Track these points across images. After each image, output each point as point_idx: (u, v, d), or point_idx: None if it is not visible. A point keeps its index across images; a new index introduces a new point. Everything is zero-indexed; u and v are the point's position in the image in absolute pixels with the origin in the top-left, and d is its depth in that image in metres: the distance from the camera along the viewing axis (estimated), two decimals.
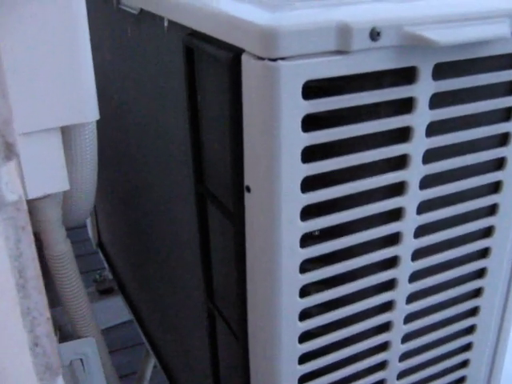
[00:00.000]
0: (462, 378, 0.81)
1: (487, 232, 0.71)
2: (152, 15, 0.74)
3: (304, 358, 0.64)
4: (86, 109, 0.56)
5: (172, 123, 0.76)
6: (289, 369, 0.64)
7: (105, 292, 1.45)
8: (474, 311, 0.76)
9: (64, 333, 0.82)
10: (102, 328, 1.25)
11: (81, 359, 0.75)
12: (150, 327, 1.18)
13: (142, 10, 0.78)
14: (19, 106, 0.52)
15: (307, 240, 0.58)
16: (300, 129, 0.52)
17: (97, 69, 1.00)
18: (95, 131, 0.62)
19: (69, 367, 0.74)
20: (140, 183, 0.99)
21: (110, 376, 0.81)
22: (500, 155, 0.66)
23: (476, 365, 0.80)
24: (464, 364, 0.80)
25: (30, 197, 0.57)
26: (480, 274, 0.73)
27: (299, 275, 0.59)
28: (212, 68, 0.59)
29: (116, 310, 1.44)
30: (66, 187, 0.60)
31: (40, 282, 0.32)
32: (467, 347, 0.78)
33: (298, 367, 0.64)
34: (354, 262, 0.62)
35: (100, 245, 1.54)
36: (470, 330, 0.77)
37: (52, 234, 0.69)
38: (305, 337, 0.63)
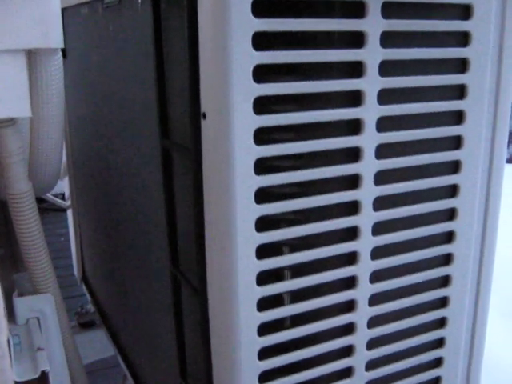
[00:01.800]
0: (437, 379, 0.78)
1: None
2: None
3: (262, 306, 0.62)
4: (50, 34, 0.59)
5: (143, 98, 0.78)
6: (247, 318, 0.62)
7: (86, 325, 1.42)
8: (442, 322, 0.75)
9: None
10: (85, 363, 1.21)
11: (37, 317, 0.73)
12: (131, 358, 1.14)
13: None
14: None
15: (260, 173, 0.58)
16: (251, 46, 0.54)
17: (86, 85, 1.04)
18: (61, 67, 0.64)
19: (25, 326, 0.71)
20: (114, 191, 1.01)
21: (67, 336, 0.77)
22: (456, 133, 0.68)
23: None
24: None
25: None
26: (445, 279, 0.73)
27: (255, 205, 0.59)
28: (174, 8, 0.63)
29: (98, 344, 1.40)
30: (28, 113, 0.61)
31: None
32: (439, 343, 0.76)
33: (257, 314, 0.62)
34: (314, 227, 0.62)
35: (84, 279, 1.52)
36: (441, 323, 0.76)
37: (12, 168, 0.68)
38: (261, 278, 0.62)
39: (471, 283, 0.76)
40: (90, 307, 1.46)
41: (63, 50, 1.28)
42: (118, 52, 0.88)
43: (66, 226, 1.64)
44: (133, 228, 0.95)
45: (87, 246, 1.45)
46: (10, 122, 0.64)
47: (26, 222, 0.72)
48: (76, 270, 1.55)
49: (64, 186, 1.55)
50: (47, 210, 2.88)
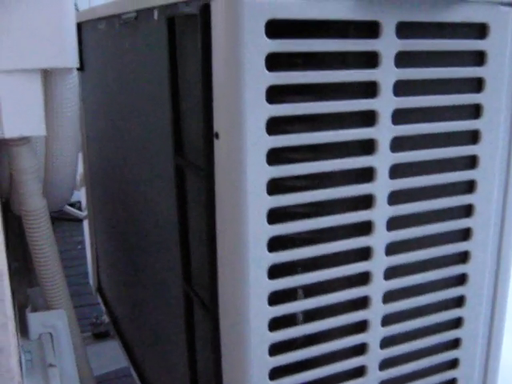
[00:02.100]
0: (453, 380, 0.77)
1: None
2: (145, 13, 0.79)
3: (273, 326, 0.62)
4: (66, 54, 0.59)
5: (157, 115, 0.78)
6: (258, 338, 0.62)
7: (101, 336, 1.42)
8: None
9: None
10: (96, 374, 1.22)
11: (50, 333, 0.73)
12: (145, 371, 1.14)
13: (137, 13, 0.84)
14: (2, 44, 0.56)
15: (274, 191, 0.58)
16: (264, 66, 0.54)
17: (103, 99, 1.05)
18: (77, 85, 0.65)
19: (37, 341, 0.72)
20: (130, 203, 1.01)
21: (80, 351, 0.77)
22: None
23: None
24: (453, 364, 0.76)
25: (7, 136, 0.59)
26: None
27: (267, 225, 0.58)
28: (189, 28, 0.63)
29: (111, 355, 1.40)
30: (43, 132, 0.62)
31: None
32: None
33: (269, 334, 0.62)
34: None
35: (99, 290, 1.53)
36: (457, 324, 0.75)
37: (27, 185, 0.69)
38: (273, 301, 0.61)
39: (486, 304, 0.75)
40: (105, 318, 1.46)
41: (80, 63, 1.29)
42: (134, 68, 0.89)
43: (83, 234, 1.66)
44: (147, 242, 0.95)
45: (103, 256, 1.46)
46: (25, 140, 0.65)
47: (40, 239, 0.73)
48: (91, 281, 1.56)
49: (81, 195, 1.56)
50: (64, 219, 2.91)
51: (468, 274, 0.72)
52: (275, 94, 0.56)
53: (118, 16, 0.94)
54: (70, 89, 0.66)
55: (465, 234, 0.71)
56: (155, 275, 0.93)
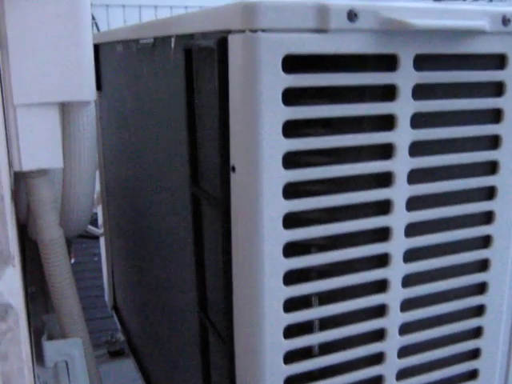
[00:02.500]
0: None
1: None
2: (162, 40, 0.80)
3: (288, 358, 0.62)
4: (84, 87, 0.60)
5: (174, 142, 0.79)
6: (273, 370, 0.61)
7: (116, 354, 1.42)
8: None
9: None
10: None
11: (66, 361, 0.73)
12: None
13: (155, 39, 0.84)
14: (21, 78, 0.57)
15: (292, 223, 0.58)
16: (281, 101, 0.54)
17: (119, 118, 1.06)
18: (94, 118, 0.66)
19: (53, 369, 0.72)
20: (146, 225, 1.01)
21: (94, 380, 0.77)
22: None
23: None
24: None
25: (25, 169, 0.60)
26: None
27: (283, 258, 0.58)
28: (206, 60, 0.63)
29: (126, 373, 1.40)
30: (60, 164, 0.62)
31: None
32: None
33: (284, 367, 0.62)
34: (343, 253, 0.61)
35: (115, 308, 1.53)
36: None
37: (44, 216, 0.69)
38: (289, 333, 0.61)
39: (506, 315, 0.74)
40: (120, 336, 1.47)
41: (98, 83, 1.30)
42: (152, 93, 0.89)
43: (99, 248, 1.66)
44: (162, 265, 0.95)
45: (119, 275, 1.46)
46: (42, 172, 0.66)
47: (57, 268, 0.73)
48: (107, 298, 1.56)
49: (98, 212, 1.57)
50: (81, 236, 2.92)
51: (486, 306, 0.71)
52: (292, 128, 0.56)
53: (136, 40, 0.95)
54: (87, 120, 0.67)
55: (483, 264, 0.70)
56: (170, 299, 0.93)
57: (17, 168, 0.60)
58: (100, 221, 1.57)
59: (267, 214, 0.56)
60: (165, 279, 0.94)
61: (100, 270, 1.75)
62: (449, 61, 0.61)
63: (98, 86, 1.30)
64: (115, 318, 1.51)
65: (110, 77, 1.22)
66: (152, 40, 0.86)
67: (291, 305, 0.60)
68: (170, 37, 0.76)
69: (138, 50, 0.96)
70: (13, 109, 0.58)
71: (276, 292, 0.59)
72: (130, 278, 1.31)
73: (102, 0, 4.07)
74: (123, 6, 4.22)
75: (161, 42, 0.81)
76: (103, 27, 4.12)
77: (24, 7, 0.55)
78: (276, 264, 0.58)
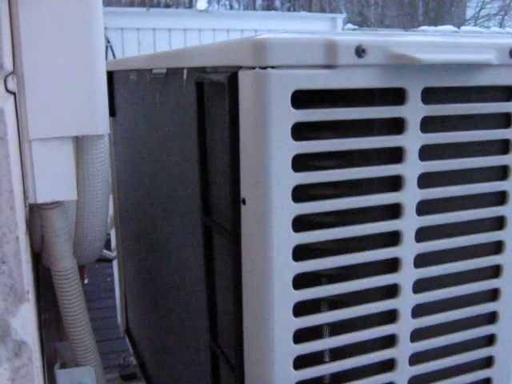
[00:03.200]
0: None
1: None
2: (175, 71, 0.81)
3: None
4: (98, 122, 0.61)
5: (186, 172, 0.80)
6: None
7: (128, 378, 1.43)
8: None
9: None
10: None
11: None
12: None
13: (167, 70, 0.86)
14: (36, 114, 0.58)
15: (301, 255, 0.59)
16: (290, 136, 0.55)
17: (133, 145, 1.08)
18: (107, 150, 0.67)
19: None
20: (158, 251, 1.02)
21: None
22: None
23: None
24: None
25: (39, 201, 0.61)
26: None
27: (293, 290, 0.59)
28: (217, 94, 0.64)
29: None
30: (74, 196, 0.63)
31: (13, 198, 0.34)
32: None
33: None
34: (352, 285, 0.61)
35: (127, 331, 1.54)
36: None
37: (57, 247, 0.71)
38: (299, 366, 0.61)
39: None
40: (133, 359, 1.47)
41: (112, 109, 1.33)
42: (164, 122, 0.91)
43: (113, 270, 1.67)
44: (174, 292, 0.96)
45: (131, 298, 1.47)
46: (57, 203, 0.67)
47: (70, 298, 0.74)
48: (120, 321, 1.57)
49: (111, 236, 1.58)
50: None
51: (496, 335, 0.71)
52: (301, 161, 0.56)
53: (149, 70, 0.97)
54: (101, 153, 0.68)
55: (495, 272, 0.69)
56: (182, 325, 0.93)
57: (32, 200, 0.62)
58: (113, 244, 1.58)
59: (277, 246, 0.57)
60: (176, 305, 0.95)
61: (112, 290, 1.76)
62: (456, 93, 0.62)
63: (112, 113, 1.32)
64: (127, 342, 1.52)
65: (124, 103, 1.24)
66: (165, 70, 0.87)
67: (301, 337, 0.61)
68: (182, 68, 0.78)
69: (150, 79, 0.98)
70: (28, 143, 0.59)
71: (286, 323, 0.59)
72: (142, 303, 1.32)
73: (117, 23, 4.14)
74: (138, 29, 4.29)
75: (173, 73, 0.82)
76: (118, 50, 4.19)
77: (39, 42, 0.56)
78: (286, 295, 0.58)
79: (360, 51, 0.56)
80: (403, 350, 0.66)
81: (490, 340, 0.72)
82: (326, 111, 0.56)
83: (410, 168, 0.61)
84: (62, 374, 0.72)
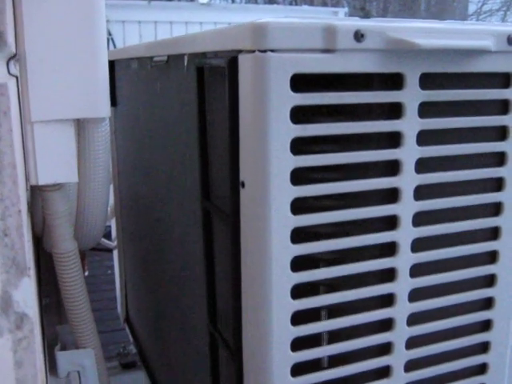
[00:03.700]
0: None
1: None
2: (176, 58, 0.82)
3: (296, 372, 0.63)
4: (99, 105, 0.62)
5: (186, 157, 0.80)
6: (281, 381, 0.62)
7: (127, 366, 1.44)
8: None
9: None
10: None
11: (78, 371, 0.75)
12: None
13: (168, 57, 0.86)
14: (39, 96, 0.59)
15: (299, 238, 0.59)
16: (289, 119, 0.56)
17: (134, 134, 1.08)
18: (108, 133, 0.68)
19: (66, 379, 0.73)
20: (158, 236, 1.03)
21: None
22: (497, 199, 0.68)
23: None
24: None
25: (41, 183, 0.62)
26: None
27: (291, 273, 0.59)
28: (217, 79, 0.65)
29: None
30: (75, 179, 0.64)
31: (16, 173, 0.35)
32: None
33: (291, 379, 0.63)
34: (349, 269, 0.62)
35: (127, 320, 1.54)
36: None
37: (59, 229, 0.72)
38: (296, 347, 0.62)
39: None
40: (132, 348, 1.48)
41: (113, 99, 1.33)
42: (165, 109, 0.91)
43: (113, 262, 1.68)
44: (173, 278, 0.97)
45: (131, 287, 1.48)
46: (58, 186, 0.68)
47: (70, 280, 0.75)
48: (120, 311, 1.58)
49: (111, 225, 1.59)
50: (94, 249, 2.94)
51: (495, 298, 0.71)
52: (300, 144, 0.57)
53: (150, 58, 0.97)
54: (102, 136, 0.69)
55: (490, 281, 0.71)
56: (181, 311, 0.94)
57: (33, 182, 0.62)
58: (113, 234, 1.59)
59: (275, 228, 0.58)
60: (176, 292, 0.96)
61: (113, 283, 1.77)
62: (454, 79, 0.63)
63: (113, 102, 1.32)
64: (127, 331, 1.53)
65: (125, 92, 1.24)
66: (166, 58, 0.88)
67: (299, 319, 0.61)
68: (183, 55, 0.78)
69: (152, 68, 0.98)
70: (30, 125, 0.60)
71: (284, 306, 0.60)
72: (142, 291, 1.33)
73: (119, 16, 4.14)
74: (139, 22, 4.29)
75: (174, 59, 0.83)
76: (119, 42, 4.19)
77: (42, 25, 0.57)
78: (284, 277, 0.59)
79: (359, 36, 0.56)
80: (400, 334, 0.67)
81: (486, 325, 0.73)
82: (325, 95, 0.57)
83: (408, 153, 0.61)
84: (62, 356, 0.73)
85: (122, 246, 1.51)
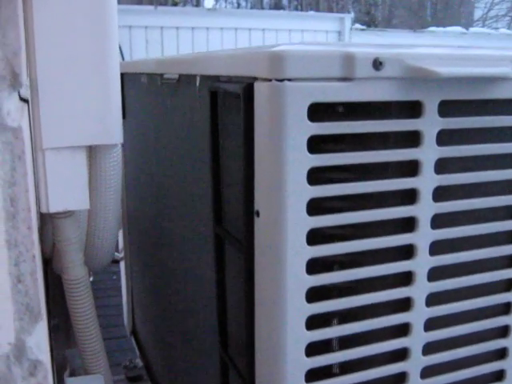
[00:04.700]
0: None
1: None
2: (187, 78, 0.81)
3: None
4: (111, 131, 0.61)
5: (197, 179, 0.79)
6: None
7: (134, 380, 1.42)
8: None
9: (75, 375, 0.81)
10: None
11: None
12: None
13: (179, 76, 0.86)
14: (50, 123, 0.58)
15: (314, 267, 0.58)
16: (306, 149, 0.55)
17: (143, 148, 1.08)
18: (120, 158, 0.67)
19: None
20: (168, 256, 1.02)
21: None
22: None
23: None
24: None
25: (52, 210, 0.61)
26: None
27: (306, 304, 0.58)
28: (232, 104, 0.64)
29: None
30: (86, 206, 0.63)
31: (30, 217, 0.34)
32: None
33: None
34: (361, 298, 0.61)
35: (134, 333, 1.53)
36: None
37: (69, 255, 0.70)
38: (310, 378, 0.61)
39: None
40: (139, 361, 1.47)
41: (122, 111, 1.32)
42: (176, 128, 0.90)
43: (119, 268, 1.67)
44: (183, 297, 0.96)
45: (138, 300, 1.47)
46: (69, 212, 0.67)
47: (81, 306, 0.74)
48: (126, 323, 1.57)
49: (119, 237, 1.58)
50: None
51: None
52: (316, 174, 0.56)
53: (160, 74, 0.97)
54: (114, 162, 0.68)
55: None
56: (189, 330, 0.93)
57: (44, 210, 0.61)
58: (120, 245, 1.58)
59: (291, 259, 0.57)
60: (185, 311, 0.95)
61: (118, 288, 1.76)
62: (473, 106, 0.61)
63: (123, 114, 1.31)
64: (134, 343, 1.51)
65: (134, 105, 1.24)
66: (177, 76, 0.87)
67: (313, 351, 0.60)
68: (194, 75, 0.77)
69: (162, 84, 0.97)
70: (41, 152, 0.59)
71: (298, 336, 0.59)
72: (149, 306, 1.31)
73: (125, 21, 4.14)
74: (145, 27, 4.29)
75: (185, 79, 0.82)
76: (126, 48, 4.19)
77: (54, 51, 0.56)
78: (299, 309, 0.58)
79: (377, 64, 0.55)
80: (417, 340, 0.65)
81: (504, 331, 0.71)
82: (342, 124, 0.56)
83: (426, 181, 0.60)
84: (71, 382, 0.71)
85: (130, 258, 1.50)
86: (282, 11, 4.50)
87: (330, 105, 0.56)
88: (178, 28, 4.36)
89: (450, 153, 0.61)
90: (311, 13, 4.78)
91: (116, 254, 1.75)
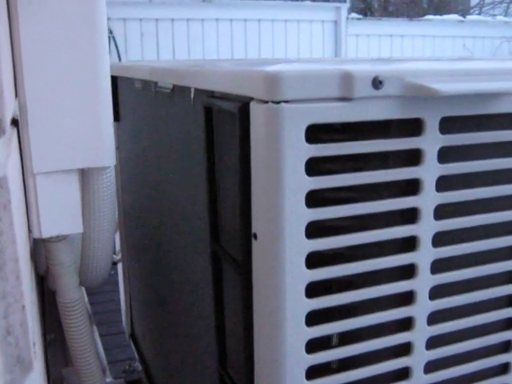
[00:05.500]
0: None
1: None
2: (181, 89, 0.79)
3: None
4: (103, 154, 0.59)
5: (193, 193, 0.78)
6: None
7: (133, 383, 1.42)
8: None
9: None
10: None
11: None
12: None
13: (174, 86, 0.84)
14: (40, 147, 0.56)
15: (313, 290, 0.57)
16: (304, 172, 0.53)
17: (137, 152, 1.06)
18: (113, 180, 0.65)
19: None
20: (166, 264, 1.01)
21: None
22: None
23: None
24: None
25: (44, 236, 0.59)
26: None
27: (305, 327, 0.57)
28: (227, 122, 0.62)
29: None
30: (80, 230, 0.62)
31: (18, 268, 0.32)
32: None
33: None
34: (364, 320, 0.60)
35: (132, 336, 1.52)
36: None
37: (64, 279, 0.69)
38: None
39: None
40: (138, 365, 1.46)
41: (116, 114, 1.31)
42: (170, 137, 0.89)
43: (116, 270, 1.65)
44: (180, 307, 0.94)
45: (136, 303, 1.46)
46: (62, 237, 0.65)
47: (76, 329, 0.73)
48: (125, 326, 1.56)
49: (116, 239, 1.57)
50: None
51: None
52: (314, 196, 0.55)
53: (155, 82, 0.95)
54: (106, 183, 0.66)
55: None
56: (188, 341, 0.92)
57: (36, 235, 0.60)
58: (117, 247, 1.57)
59: (290, 282, 0.55)
60: (183, 320, 0.94)
61: (114, 283, 1.74)
62: (474, 122, 0.60)
63: (116, 117, 1.30)
64: (132, 347, 1.51)
65: (128, 109, 1.22)
66: (171, 86, 0.85)
67: (313, 374, 0.59)
68: (189, 88, 0.75)
69: (156, 92, 0.95)
70: (32, 177, 0.57)
71: (298, 358, 0.58)
72: (148, 311, 1.30)
73: (120, 14, 4.10)
74: (140, 20, 4.25)
75: (180, 90, 0.80)
76: (120, 40, 4.15)
77: (42, 72, 0.54)
78: (298, 331, 0.57)
79: (377, 83, 0.53)
80: (420, 334, 0.63)
81: (509, 323, 0.70)
82: (341, 145, 0.54)
83: (427, 200, 0.59)
84: None
85: (127, 261, 1.49)
86: (277, 1, 4.45)
87: (329, 124, 0.54)
88: (173, 20, 4.33)
89: (451, 170, 0.59)
90: (307, 2, 4.73)
91: (113, 256, 1.74)
